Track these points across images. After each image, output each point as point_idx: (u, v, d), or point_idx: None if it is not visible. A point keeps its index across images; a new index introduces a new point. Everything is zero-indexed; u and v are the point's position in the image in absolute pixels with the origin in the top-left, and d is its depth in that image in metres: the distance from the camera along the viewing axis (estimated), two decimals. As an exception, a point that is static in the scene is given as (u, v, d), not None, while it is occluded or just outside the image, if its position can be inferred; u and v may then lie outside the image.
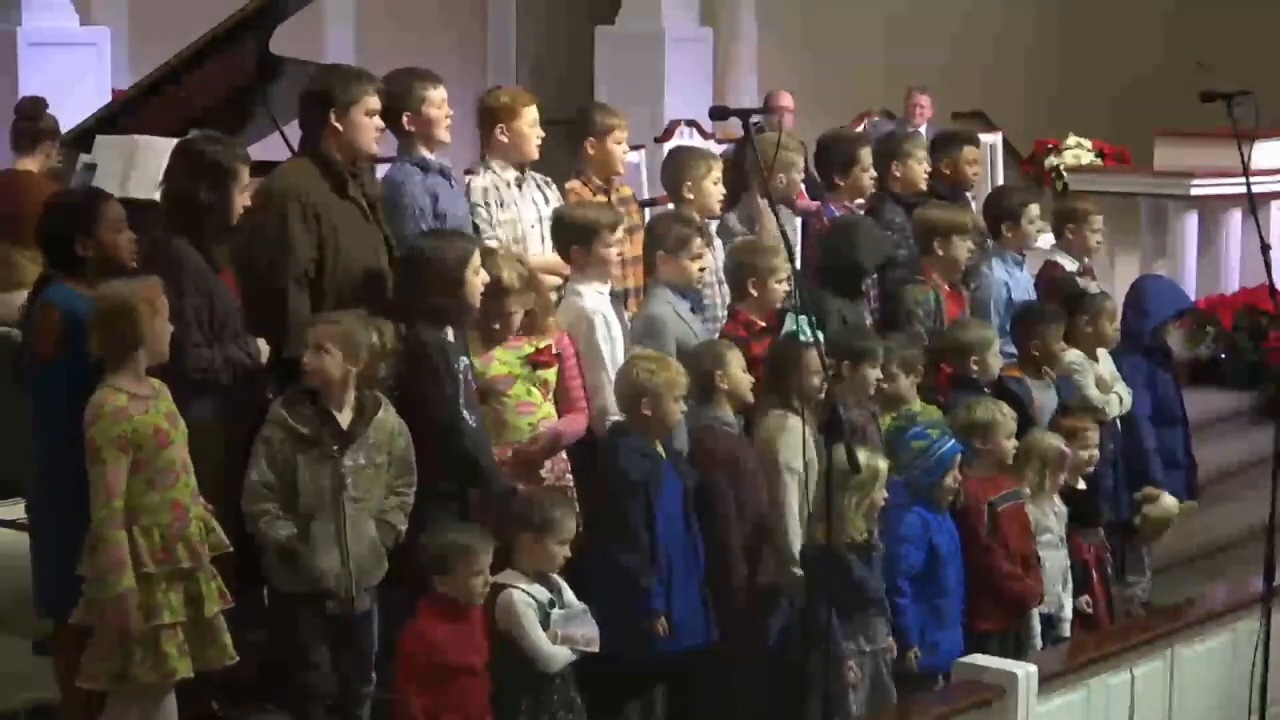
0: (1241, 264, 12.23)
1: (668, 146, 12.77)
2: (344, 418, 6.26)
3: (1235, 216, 12.16)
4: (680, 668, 6.81)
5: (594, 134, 7.96)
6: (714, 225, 8.19)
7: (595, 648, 6.37)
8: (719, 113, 6.40)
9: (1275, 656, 7.40)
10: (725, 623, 6.88)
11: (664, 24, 15.79)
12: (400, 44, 14.37)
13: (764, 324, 7.57)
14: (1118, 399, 8.61)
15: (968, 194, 9.62)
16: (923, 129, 13.49)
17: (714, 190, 8.05)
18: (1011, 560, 7.50)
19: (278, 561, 6.21)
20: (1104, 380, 8.61)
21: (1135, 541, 8.66)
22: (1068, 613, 7.89)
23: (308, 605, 6.24)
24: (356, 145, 6.79)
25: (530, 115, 7.53)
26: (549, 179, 7.73)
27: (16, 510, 7.36)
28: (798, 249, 9.00)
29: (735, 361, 7.07)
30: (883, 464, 6.93)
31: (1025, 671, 6.73)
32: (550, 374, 6.91)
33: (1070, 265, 9.13)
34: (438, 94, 7.18)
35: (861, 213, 8.85)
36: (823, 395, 6.84)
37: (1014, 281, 8.84)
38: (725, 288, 7.87)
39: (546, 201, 7.63)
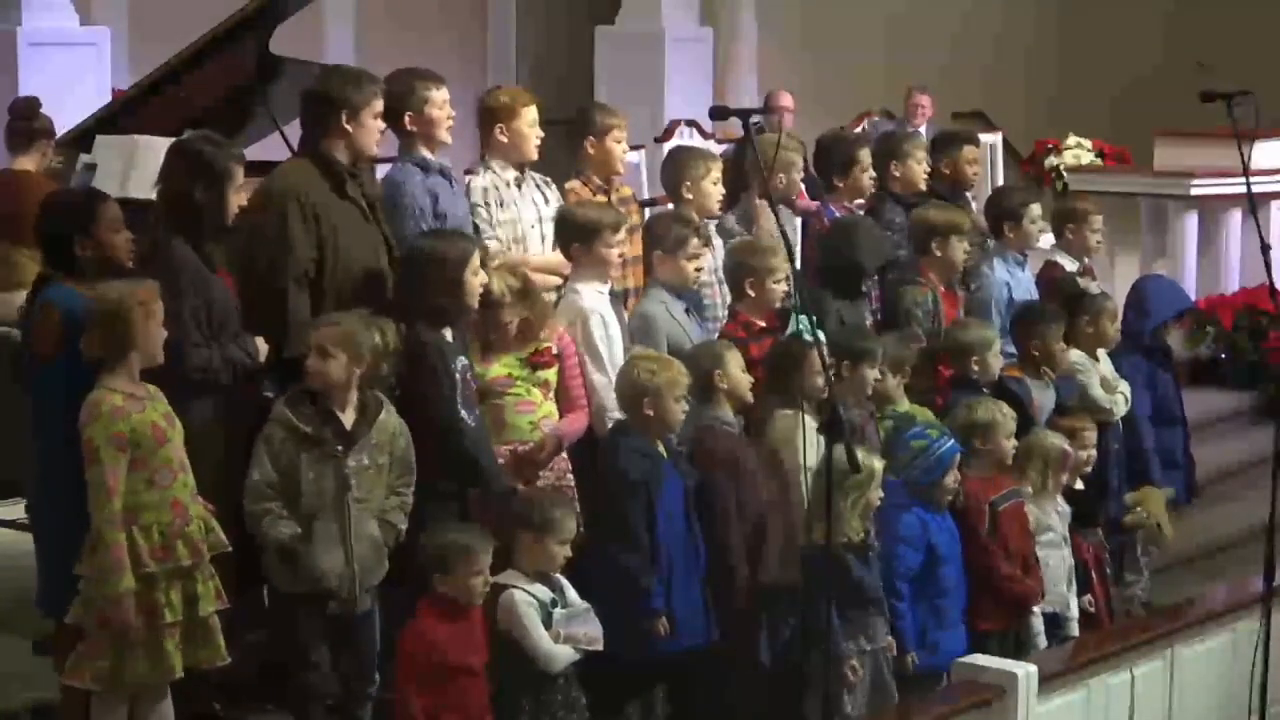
0: (1241, 264, 12.23)
1: (668, 146, 12.78)
2: (347, 418, 6.26)
3: (1235, 216, 12.16)
4: (680, 667, 6.81)
5: (594, 134, 7.96)
6: (713, 225, 8.18)
7: (599, 646, 6.37)
8: (719, 113, 6.40)
9: (1275, 656, 7.40)
10: (725, 622, 6.88)
11: (664, 24, 15.78)
12: (400, 44, 14.37)
13: (763, 324, 7.57)
14: (1123, 399, 8.61)
15: (967, 194, 9.63)
16: (923, 129, 13.49)
17: (713, 190, 8.05)
18: (1011, 560, 7.50)
19: (279, 561, 6.21)
20: (1107, 380, 8.62)
21: (1136, 541, 8.64)
22: (1074, 612, 7.88)
23: (308, 605, 6.23)
24: (362, 147, 6.81)
25: (530, 115, 7.53)
26: (549, 179, 7.73)
27: (16, 510, 7.37)
28: (798, 249, 9.00)
29: (734, 361, 7.08)
30: (878, 464, 6.93)
31: (1025, 671, 6.73)
32: (550, 374, 6.91)
33: (1070, 265, 9.13)
34: (440, 95, 7.18)
35: (861, 213, 8.85)
36: (825, 395, 6.85)
37: (1015, 281, 8.84)
38: (726, 288, 7.86)
39: (546, 201, 7.64)
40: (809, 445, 6.92)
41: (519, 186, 7.56)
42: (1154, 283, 9.80)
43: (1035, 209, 9.07)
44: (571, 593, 6.40)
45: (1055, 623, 7.76)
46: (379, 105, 6.83)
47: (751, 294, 7.56)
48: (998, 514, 7.53)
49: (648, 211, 8.94)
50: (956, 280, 8.63)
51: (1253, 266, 11.32)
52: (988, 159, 14.43)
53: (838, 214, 8.74)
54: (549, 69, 16.91)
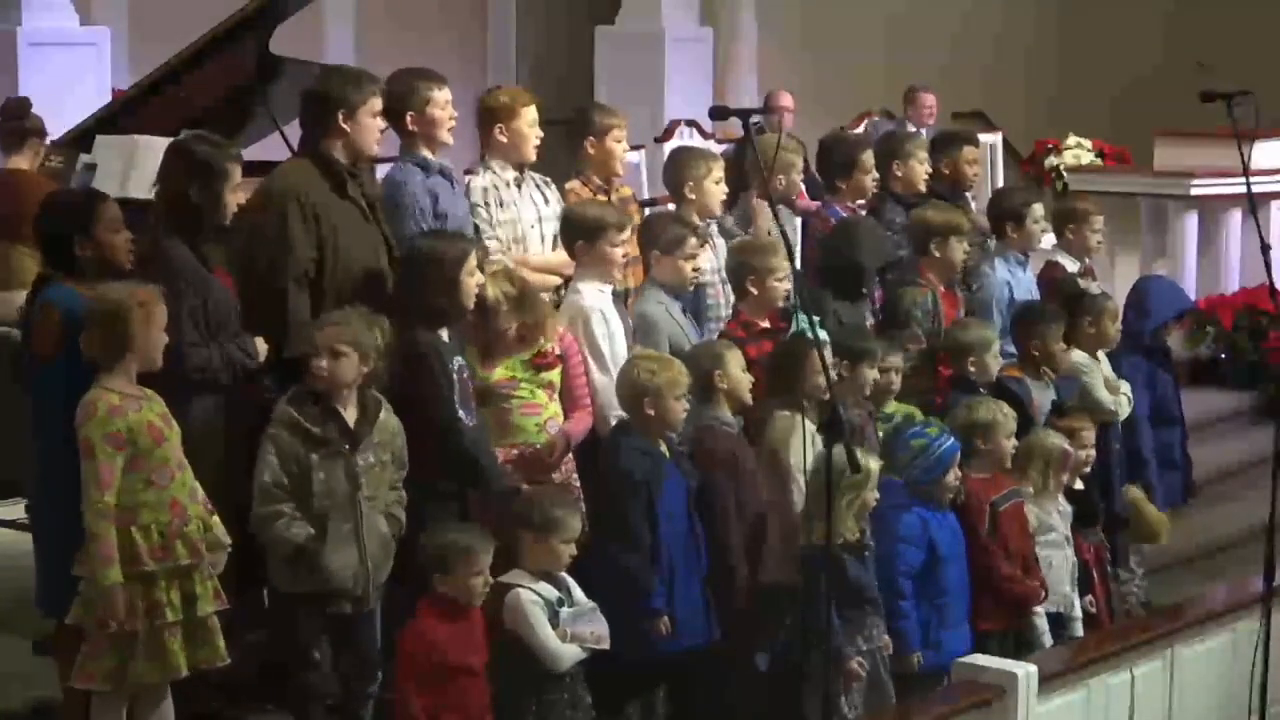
0: (1241, 264, 12.22)
1: (668, 146, 12.79)
2: (350, 417, 6.27)
3: (1235, 216, 12.15)
4: (681, 667, 6.81)
5: (593, 134, 7.97)
6: (714, 226, 8.18)
7: (605, 645, 6.37)
8: (719, 113, 6.39)
9: (1275, 656, 7.39)
10: (725, 622, 6.88)
11: (664, 24, 15.79)
12: (400, 44, 14.38)
13: (764, 324, 7.57)
14: (1125, 400, 8.61)
15: (967, 194, 9.63)
16: (924, 130, 13.48)
17: (715, 190, 8.04)
18: (1012, 561, 7.50)
19: (290, 563, 6.18)
20: (1109, 381, 8.62)
21: (1125, 539, 8.65)
22: (1078, 611, 7.88)
23: (308, 605, 6.23)
24: (361, 147, 6.81)
25: (530, 115, 7.53)
26: (548, 179, 7.73)
27: (16, 510, 7.37)
28: (798, 249, 9.00)
29: (734, 362, 7.08)
30: (874, 464, 6.91)
31: (1025, 671, 6.72)
32: (554, 375, 6.91)
33: (1071, 265, 9.13)
34: (442, 95, 7.18)
35: (863, 213, 8.85)
36: (827, 396, 6.85)
37: (1016, 282, 8.84)
38: (729, 287, 7.86)
39: (546, 201, 7.64)
40: (805, 445, 6.91)
41: (519, 186, 7.56)
42: (1154, 283, 9.81)
43: (1038, 209, 9.08)
44: (578, 592, 6.40)
45: (1059, 623, 7.76)
46: (377, 104, 6.83)
47: (754, 292, 7.56)
48: (998, 514, 7.53)
49: (648, 212, 8.94)
50: (956, 281, 8.63)
51: (1253, 266, 11.32)
52: (988, 159, 14.43)
53: (843, 214, 8.73)
54: (549, 69, 16.92)
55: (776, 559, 6.99)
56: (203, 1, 9.93)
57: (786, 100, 13.85)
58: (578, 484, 6.93)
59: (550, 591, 6.32)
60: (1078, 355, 8.50)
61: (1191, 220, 12.18)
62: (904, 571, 7.20)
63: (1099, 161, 15.15)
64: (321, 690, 6.29)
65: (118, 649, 5.86)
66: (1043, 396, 8.27)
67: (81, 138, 8.96)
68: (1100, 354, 8.69)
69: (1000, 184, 14.34)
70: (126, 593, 5.81)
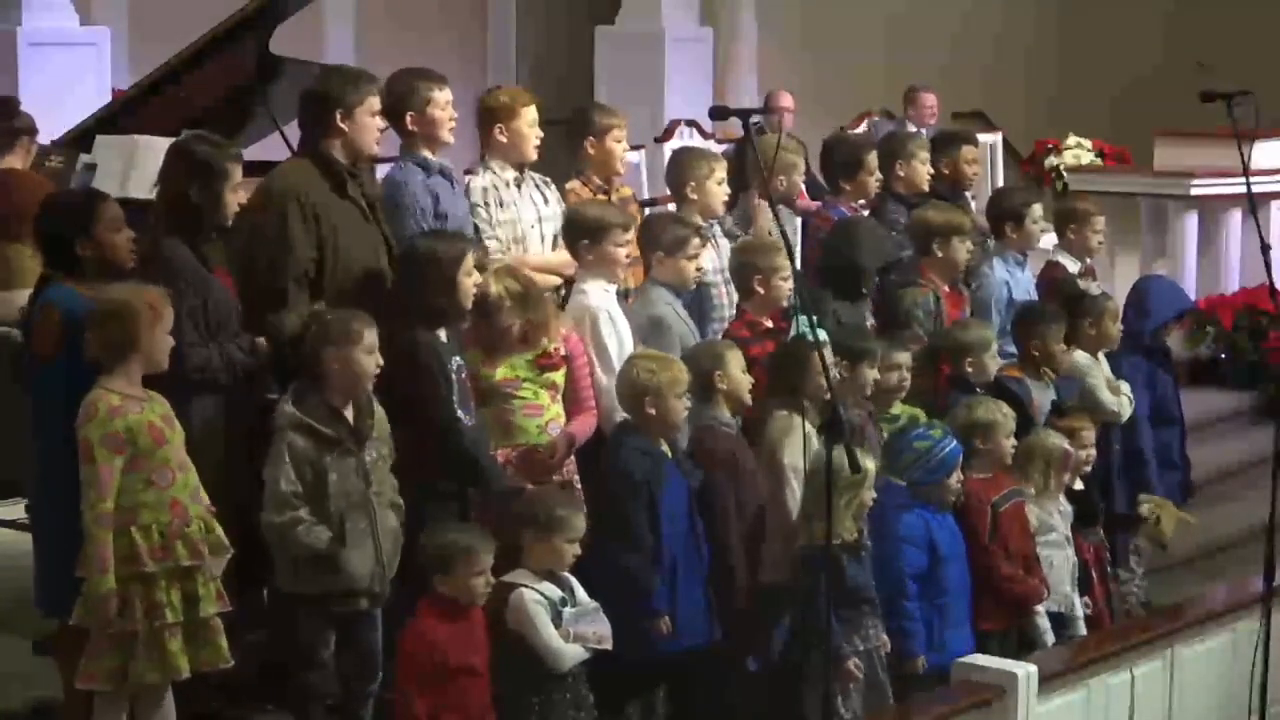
0: (1241, 264, 12.22)
1: (668, 146, 12.80)
2: (350, 415, 6.26)
3: (1235, 216, 12.15)
4: (681, 667, 6.81)
5: (593, 134, 7.97)
6: (717, 226, 8.18)
7: (608, 645, 6.36)
8: (719, 113, 6.39)
9: (1275, 656, 7.39)
10: (726, 622, 6.88)
11: (664, 24, 15.78)
12: (400, 44, 14.38)
13: (768, 324, 7.57)
14: (1127, 400, 8.61)
15: (967, 194, 9.62)
16: (924, 130, 13.47)
17: (717, 191, 8.04)
18: (1012, 561, 7.50)
19: (311, 565, 6.15)
20: (1110, 382, 8.62)
21: (1130, 540, 8.64)
22: (1079, 611, 7.87)
23: (315, 604, 6.22)
24: (359, 146, 6.80)
25: (529, 115, 7.53)
26: (548, 179, 7.73)
27: (16, 510, 7.37)
28: (798, 249, 9.00)
29: (735, 362, 7.07)
30: (871, 464, 6.89)
31: (1025, 671, 6.72)
32: (558, 376, 6.90)
33: (1072, 266, 9.13)
34: (443, 95, 7.18)
35: (865, 213, 8.85)
36: (828, 396, 6.85)
37: (1015, 281, 8.84)
38: (732, 287, 7.86)
39: (545, 201, 7.64)
40: (805, 446, 6.91)
41: (518, 186, 7.56)
42: (1154, 283, 9.80)
43: (1037, 209, 9.08)
44: (581, 591, 6.39)
45: (1060, 622, 7.75)
46: (375, 104, 6.82)
47: (760, 292, 7.56)
48: (998, 514, 7.52)
49: (647, 212, 8.94)
50: (960, 280, 8.62)
51: (1253, 266, 11.32)
52: (988, 159, 14.42)
53: (847, 214, 8.74)
54: (549, 69, 16.92)
55: (774, 559, 6.99)
56: (203, 1, 9.93)
57: (786, 100, 13.84)
58: (579, 485, 6.92)
59: (553, 591, 6.31)
60: (1080, 356, 8.50)
61: (1191, 220, 12.18)
62: (908, 573, 7.19)
63: (1099, 161, 15.15)
64: (324, 690, 6.29)
65: (119, 650, 5.86)
66: (1043, 397, 8.27)
67: (81, 138, 8.96)
68: (1100, 354, 8.69)
69: (1000, 184, 14.33)
70: (124, 595, 5.81)
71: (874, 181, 8.94)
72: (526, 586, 6.29)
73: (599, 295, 7.16)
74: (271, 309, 6.56)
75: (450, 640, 6.06)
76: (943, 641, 7.23)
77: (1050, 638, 7.60)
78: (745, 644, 6.98)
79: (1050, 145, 15.59)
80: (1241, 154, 7.53)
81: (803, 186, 9.49)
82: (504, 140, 7.51)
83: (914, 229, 8.61)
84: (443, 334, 6.59)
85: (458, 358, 6.61)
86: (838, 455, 5.89)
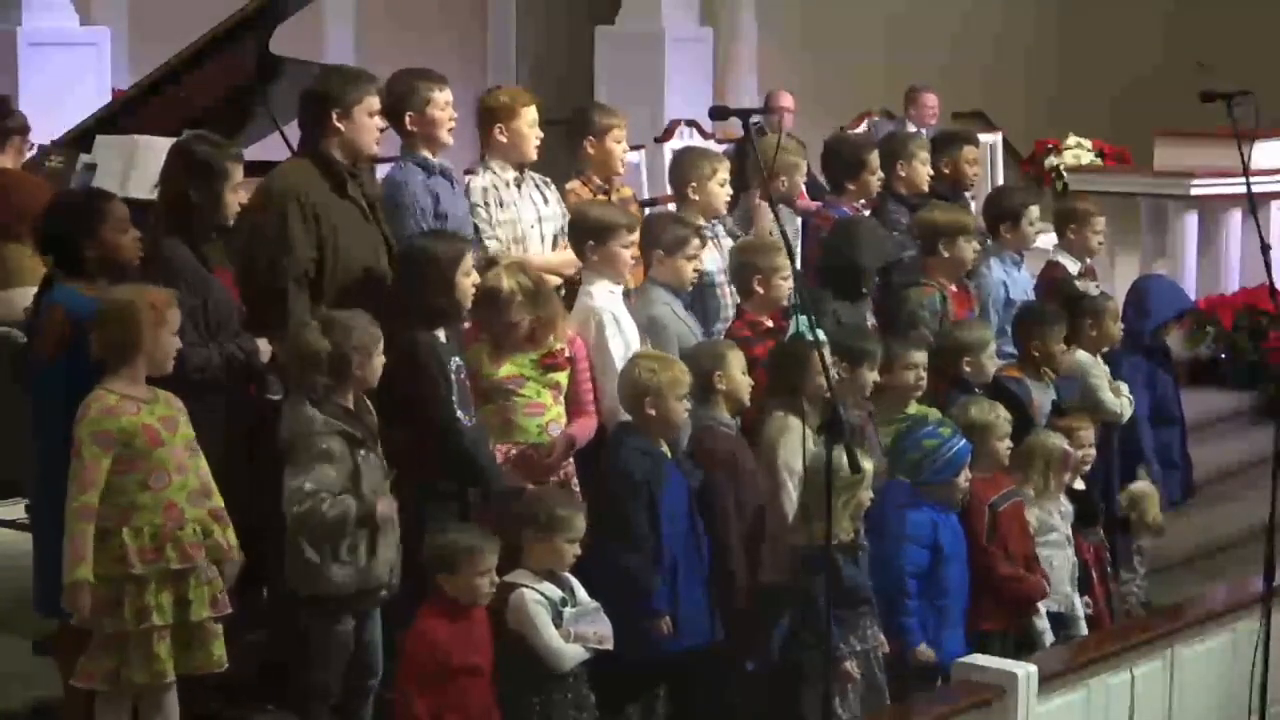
0: (1241, 264, 12.22)
1: (668, 146, 12.81)
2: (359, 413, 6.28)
3: (1235, 216, 12.15)
4: (682, 667, 6.81)
5: (593, 133, 7.97)
6: (719, 226, 8.18)
7: (609, 645, 6.36)
8: (719, 113, 6.39)
9: (1275, 656, 7.39)
10: (726, 622, 6.88)
11: (664, 24, 15.79)
12: (400, 44, 14.38)
13: (769, 324, 7.57)
14: (1127, 401, 8.62)
15: (966, 194, 9.62)
16: (925, 130, 13.48)
17: (719, 191, 8.04)
18: (1011, 561, 7.50)
19: (341, 564, 6.12)
20: (1111, 382, 8.62)
21: (1130, 537, 8.64)
22: (1080, 611, 7.87)
23: (319, 605, 6.21)
24: (357, 145, 6.80)
25: (530, 115, 7.53)
26: (548, 179, 7.73)
27: (16, 510, 7.37)
28: (798, 249, 8.99)
29: (735, 363, 7.07)
30: (868, 464, 6.88)
31: (1025, 671, 6.72)
32: (562, 376, 6.90)
33: (1072, 266, 9.13)
34: (442, 95, 7.18)
35: (866, 213, 8.85)
36: (828, 396, 6.85)
37: (1012, 281, 8.84)
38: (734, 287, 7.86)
39: (545, 201, 7.64)
40: (800, 446, 6.91)
41: (518, 186, 7.56)
42: (1154, 283, 9.81)
43: (1034, 210, 9.07)
44: (581, 591, 6.39)
45: (1061, 623, 7.75)
46: (374, 103, 6.82)
47: (760, 292, 7.56)
48: (997, 514, 7.52)
49: (647, 212, 8.94)
50: (966, 280, 8.62)
51: (1253, 266, 11.31)
52: (988, 159, 14.42)
53: (847, 213, 8.73)
54: (549, 69, 16.92)
55: (771, 559, 6.99)
56: (203, 1, 9.93)
57: (786, 100, 13.84)
58: (577, 486, 6.92)
59: (553, 591, 6.32)
60: (1082, 355, 8.51)
61: (1191, 220, 12.18)
62: (910, 571, 7.18)
63: (1099, 161, 15.15)
64: (332, 690, 6.27)
65: (116, 650, 5.86)
66: (1043, 397, 8.27)
67: (81, 138, 8.97)
68: (1098, 355, 8.69)
69: (1000, 184, 14.33)
70: (115, 595, 5.81)
71: (876, 181, 8.94)
72: (527, 587, 6.29)
73: (605, 297, 7.16)
74: (272, 309, 6.56)
75: (453, 640, 6.06)
76: (939, 641, 7.23)
77: (1049, 638, 7.60)
78: (745, 644, 6.98)
79: (1050, 145, 15.60)
80: (1241, 154, 7.53)
81: (803, 186, 9.49)
82: (504, 140, 7.51)
83: (920, 229, 8.61)
84: (442, 334, 6.59)
85: (457, 358, 6.61)
86: (837, 455, 5.89)
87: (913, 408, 7.70)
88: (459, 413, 6.51)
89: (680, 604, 6.71)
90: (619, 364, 6.99)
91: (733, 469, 6.98)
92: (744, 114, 6.09)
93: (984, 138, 13.41)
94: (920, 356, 7.72)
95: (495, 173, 7.51)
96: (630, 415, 6.83)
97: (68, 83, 11.99)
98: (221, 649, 6.00)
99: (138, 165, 8.15)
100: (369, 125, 6.81)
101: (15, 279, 8.17)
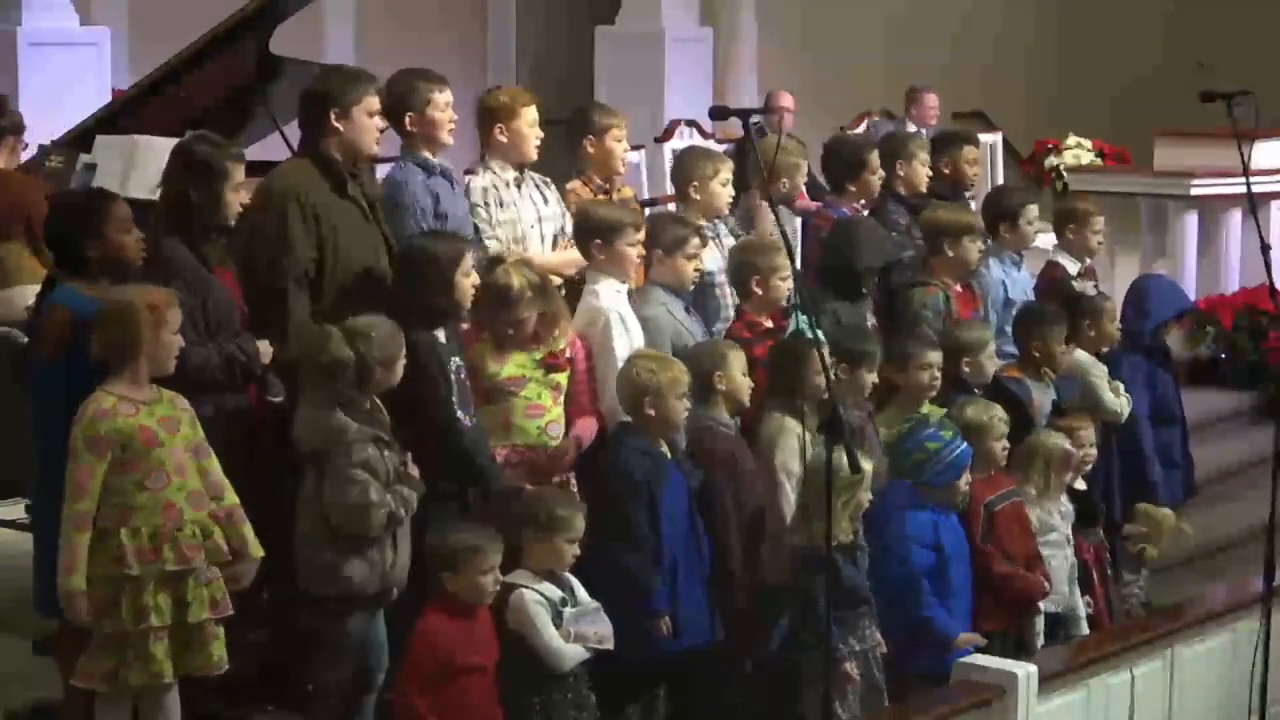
0: (1241, 264, 12.22)
1: (668, 146, 12.81)
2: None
3: (1235, 216, 12.15)
4: (682, 667, 6.81)
5: (593, 133, 7.97)
6: (721, 227, 8.18)
7: (609, 645, 6.36)
8: (719, 113, 6.39)
9: (1275, 656, 7.39)
10: (726, 622, 6.87)
11: (664, 24, 15.79)
12: (400, 44, 14.38)
13: (768, 324, 7.56)
14: (1127, 400, 8.61)
15: (966, 194, 9.62)
16: (925, 130, 13.48)
17: (721, 191, 8.04)
18: (1010, 561, 7.49)
19: (369, 565, 6.13)
20: (1110, 382, 8.62)
21: (1132, 557, 8.64)
22: (1080, 612, 7.87)
23: (342, 605, 6.20)
24: (357, 145, 6.80)
25: (530, 115, 7.53)
26: (548, 179, 7.73)
27: (16, 510, 7.37)
28: (798, 249, 8.99)
29: (736, 364, 7.06)
30: (868, 465, 6.88)
31: (1025, 671, 6.72)
32: (562, 377, 6.90)
33: (1072, 266, 9.13)
34: (442, 96, 7.17)
35: (866, 213, 8.85)
36: (826, 395, 6.85)
37: (1011, 281, 8.84)
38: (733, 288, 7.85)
39: (545, 201, 7.63)
40: (798, 447, 6.90)
41: (518, 186, 7.56)
42: (1154, 283, 9.80)
43: (1033, 209, 9.07)
44: (581, 591, 6.40)
45: (1061, 623, 7.75)
46: (373, 103, 6.81)
47: (759, 292, 7.55)
48: (994, 514, 7.51)
49: (648, 212, 8.94)
50: (970, 280, 8.62)
51: (1253, 266, 11.31)
52: (988, 159, 14.42)
53: (847, 213, 8.73)
54: (549, 69, 16.92)
55: (771, 560, 6.99)
56: (203, 1, 9.93)
57: (787, 100, 13.85)
58: (574, 486, 6.92)
59: (553, 591, 6.32)
60: (1081, 355, 8.50)
61: (1191, 220, 12.18)
62: (920, 572, 7.16)
63: (1099, 161, 15.15)
64: (342, 689, 6.26)
65: (114, 651, 5.86)
66: (1043, 397, 8.27)
67: (81, 138, 8.97)
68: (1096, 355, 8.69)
69: (1000, 184, 14.33)
70: (113, 596, 5.81)
71: (877, 181, 8.94)
72: (527, 587, 6.29)
73: (610, 297, 7.15)
74: (272, 309, 6.56)
75: (458, 639, 6.06)
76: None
77: (1040, 640, 7.59)
78: (744, 644, 6.98)
79: (1050, 145, 15.60)
80: (1241, 154, 7.53)
81: (803, 187, 9.49)
82: (504, 140, 7.51)
83: (925, 229, 8.61)
84: (442, 334, 6.59)
85: (457, 358, 6.61)
86: (837, 456, 5.89)
87: (926, 407, 7.69)
88: (459, 413, 6.51)
89: (680, 604, 6.71)
90: (620, 364, 6.99)
91: (732, 469, 6.98)
92: (744, 114, 6.09)
93: (984, 138, 13.41)
94: (935, 356, 7.72)
95: (495, 173, 7.51)
96: (629, 415, 6.83)
97: (68, 83, 11.99)
98: (222, 650, 6.00)
99: (138, 165, 8.15)
100: (368, 125, 6.80)
101: (13, 279, 8.17)
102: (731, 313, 7.83)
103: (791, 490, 7.06)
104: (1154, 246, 12.36)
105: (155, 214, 6.63)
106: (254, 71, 8.58)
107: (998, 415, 7.59)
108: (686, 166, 8.11)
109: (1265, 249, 7.60)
